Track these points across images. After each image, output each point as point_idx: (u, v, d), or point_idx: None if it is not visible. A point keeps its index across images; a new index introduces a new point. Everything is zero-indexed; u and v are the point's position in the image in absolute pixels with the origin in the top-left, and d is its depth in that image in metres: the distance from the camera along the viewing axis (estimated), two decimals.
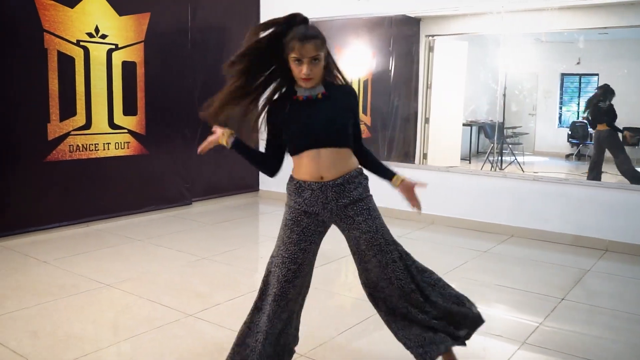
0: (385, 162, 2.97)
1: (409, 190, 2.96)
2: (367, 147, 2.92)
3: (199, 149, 2.84)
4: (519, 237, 6.34)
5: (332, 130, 2.71)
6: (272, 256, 2.83)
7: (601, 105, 7.25)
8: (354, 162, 2.80)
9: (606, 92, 7.34)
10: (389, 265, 2.78)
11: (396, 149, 7.84)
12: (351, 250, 2.87)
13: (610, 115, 7.19)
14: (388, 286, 2.81)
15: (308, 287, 2.93)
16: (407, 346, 2.89)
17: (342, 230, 2.84)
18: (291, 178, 2.81)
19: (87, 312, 4.01)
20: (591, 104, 7.64)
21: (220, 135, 2.81)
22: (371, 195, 2.84)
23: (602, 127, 7.24)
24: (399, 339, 2.92)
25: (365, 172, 2.87)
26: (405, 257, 2.86)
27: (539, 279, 5.03)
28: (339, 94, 2.77)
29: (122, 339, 3.57)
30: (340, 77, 2.82)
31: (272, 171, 2.87)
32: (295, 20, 2.68)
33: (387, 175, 2.92)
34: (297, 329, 2.98)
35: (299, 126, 2.72)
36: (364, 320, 3.88)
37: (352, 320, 3.93)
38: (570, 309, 4.29)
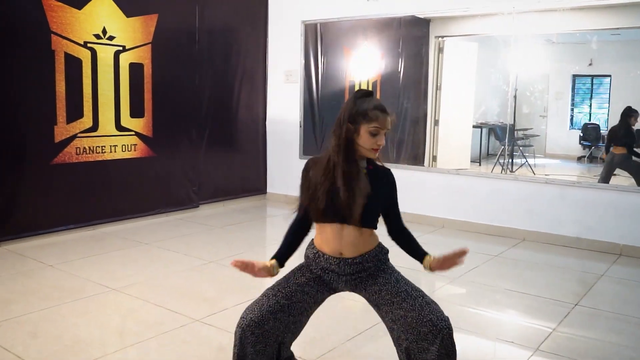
0: (417, 241, 2.79)
1: (442, 266, 2.73)
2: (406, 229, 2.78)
3: (233, 263, 2.67)
4: (531, 241, 6.29)
5: (365, 210, 2.55)
6: (263, 294, 2.67)
7: (618, 128, 6.94)
8: (374, 240, 2.69)
9: (626, 115, 6.99)
10: (424, 308, 2.51)
11: (405, 152, 7.80)
12: (380, 315, 2.68)
13: (629, 137, 6.86)
14: (430, 331, 2.47)
15: (294, 334, 2.72)
16: None
17: (359, 292, 2.71)
18: (311, 244, 2.73)
19: (94, 317, 3.99)
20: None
21: (268, 270, 2.69)
22: (393, 267, 2.73)
23: (618, 151, 6.89)
24: None
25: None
26: (437, 305, 2.59)
27: (552, 283, 4.98)
28: (380, 174, 2.66)
29: (129, 344, 3.55)
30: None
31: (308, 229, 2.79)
32: (359, 94, 2.62)
33: (418, 256, 2.76)
34: None
35: (331, 196, 2.57)
36: (374, 325, 3.84)
37: (362, 326, 3.90)
38: (584, 315, 4.25)
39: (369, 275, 2.64)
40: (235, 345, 2.58)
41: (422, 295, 2.59)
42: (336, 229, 2.60)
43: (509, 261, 5.62)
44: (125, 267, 5.12)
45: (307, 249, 2.75)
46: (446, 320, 2.50)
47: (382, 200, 2.66)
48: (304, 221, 2.75)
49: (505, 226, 6.51)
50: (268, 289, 2.67)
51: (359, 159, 2.59)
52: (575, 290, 4.81)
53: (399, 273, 2.70)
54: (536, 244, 6.22)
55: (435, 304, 2.57)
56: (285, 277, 2.71)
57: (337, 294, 2.78)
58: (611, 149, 6.90)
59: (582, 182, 6.28)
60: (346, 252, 2.61)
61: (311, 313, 2.74)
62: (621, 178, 6.73)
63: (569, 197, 6.15)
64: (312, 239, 2.75)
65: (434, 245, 6.06)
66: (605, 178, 6.70)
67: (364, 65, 7.77)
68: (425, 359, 2.50)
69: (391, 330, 2.63)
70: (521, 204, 6.43)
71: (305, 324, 2.75)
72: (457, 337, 3.71)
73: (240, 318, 2.58)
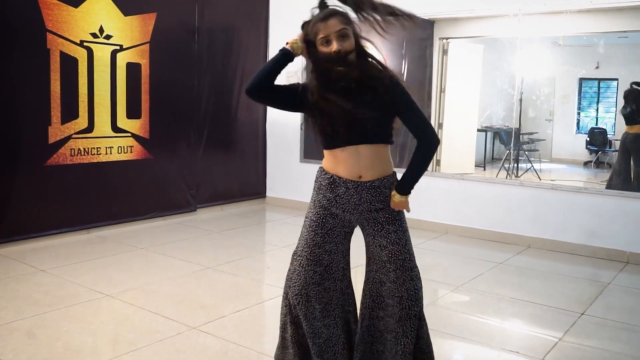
0: (410, 170, 2.75)
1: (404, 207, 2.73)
2: (424, 141, 2.72)
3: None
4: (537, 248, 6.25)
5: (372, 125, 2.61)
6: (294, 252, 2.82)
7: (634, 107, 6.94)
8: (391, 165, 2.76)
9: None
10: (405, 284, 2.68)
11: (408, 156, 7.73)
12: (369, 257, 2.80)
13: None
14: (395, 305, 2.69)
15: (352, 294, 2.90)
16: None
17: (367, 235, 2.77)
18: (323, 170, 2.75)
19: (87, 324, 3.95)
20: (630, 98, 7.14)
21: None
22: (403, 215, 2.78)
23: (632, 130, 6.96)
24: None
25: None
26: (419, 279, 2.76)
27: (558, 292, 4.95)
28: (378, 84, 2.61)
29: (123, 353, 3.51)
30: (376, 63, 2.68)
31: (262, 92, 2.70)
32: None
33: (411, 186, 2.72)
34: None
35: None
36: None
37: None
38: (591, 324, 4.21)
39: (387, 218, 2.69)
40: (290, 325, 2.79)
41: (412, 267, 2.70)
42: (351, 151, 2.62)
43: (514, 268, 5.58)
44: (120, 273, 5.08)
45: (317, 178, 2.77)
46: (414, 302, 2.69)
47: (384, 109, 2.62)
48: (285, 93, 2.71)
49: (510, 232, 6.48)
50: (297, 255, 2.79)
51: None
52: (582, 298, 4.77)
53: (408, 231, 2.75)
54: (542, 251, 6.19)
55: (418, 279, 2.72)
56: (303, 239, 2.78)
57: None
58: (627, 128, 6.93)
59: (589, 188, 6.24)
60: (365, 175, 2.65)
61: (348, 271, 2.87)
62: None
63: (576, 203, 6.12)
64: (321, 168, 2.77)
65: (437, 252, 6.06)
66: (624, 162, 6.67)
67: None
68: (379, 315, 2.75)
69: (367, 279, 2.81)
70: (527, 209, 6.40)
71: (352, 289, 2.89)
72: (460, 346, 3.69)
73: (290, 298, 2.78)
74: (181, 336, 3.75)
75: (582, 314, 4.38)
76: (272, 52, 8.23)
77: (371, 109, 2.57)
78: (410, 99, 2.67)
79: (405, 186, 2.70)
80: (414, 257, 2.74)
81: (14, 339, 3.64)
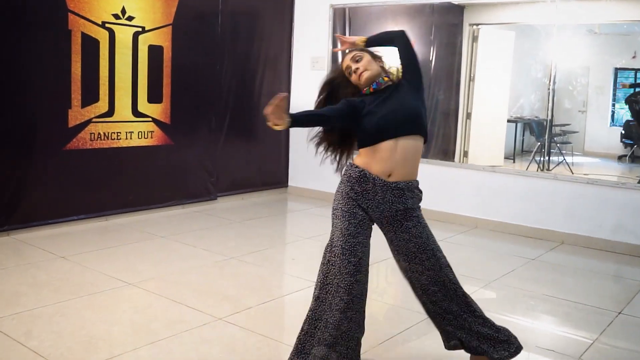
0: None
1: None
2: None
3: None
4: (570, 245, 6.23)
5: (413, 115, 3.01)
6: (329, 245, 2.98)
7: None
8: (417, 170, 3.07)
9: None
10: (442, 269, 3.04)
11: (435, 146, 7.74)
12: (397, 252, 3.07)
13: None
14: (441, 289, 3.05)
15: (367, 289, 3.05)
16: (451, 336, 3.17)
17: (387, 232, 3.06)
18: (353, 165, 3.03)
19: (110, 312, 4.00)
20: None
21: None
22: (420, 207, 3.10)
23: None
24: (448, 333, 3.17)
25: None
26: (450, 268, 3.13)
27: (593, 290, 4.94)
28: (405, 85, 3.13)
29: (149, 342, 3.54)
30: (394, 72, 3.24)
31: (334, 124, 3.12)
32: None
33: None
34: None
35: (380, 114, 2.98)
36: (406, 329, 3.82)
37: (392, 330, 3.89)
38: (628, 325, 4.20)
39: (404, 216, 2.99)
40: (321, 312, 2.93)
41: (443, 256, 3.08)
42: (389, 145, 2.94)
43: (547, 265, 5.57)
44: (141, 261, 5.13)
45: (347, 171, 3.06)
46: (456, 284, 3.10)
47: (412, 103, 3.06)
48: (340, 117, 3.01)
49: (542, 228, 6.45)
50: (332, 246, 2.96)
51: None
52: (618, 297, 4.76)
53: (428, 227, 3.06)
54: (575, 247, 6.16)
55: (450, 266, 3.10)
56: (337, 230, 2.96)
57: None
58: None
59: (627, 183, 6.20)
60: (396, 172, 2.95)
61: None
62: None
63: (612, 198, 6.08)
64: (351, 163, 3.06)
65: (465, 246, 6.06)
66: None
67: (393, 53, 7.72)
68: (432, 300, 3.08)
69: (407, 273, 3.11)
70: (560, 204, 6.37)
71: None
72: None
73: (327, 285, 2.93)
74: (207, 327, 3.79)
75: (619, 313, 4.36)
76: (296, 36, 8.25)
77: (414, 102, 3.08)
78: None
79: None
80: (440, 249, 3.10)
81: (36, 326, 3.70)
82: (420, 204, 3.10)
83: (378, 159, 2.95)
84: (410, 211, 3.00)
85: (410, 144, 2.97)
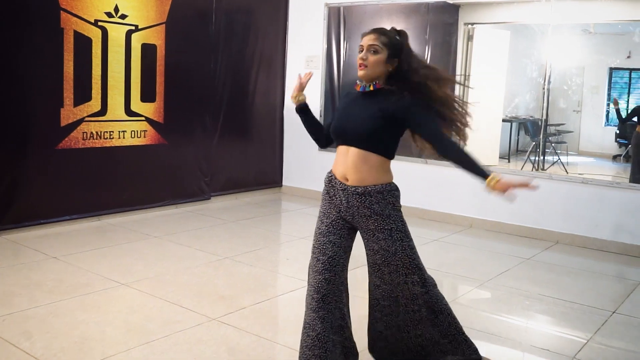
0: (474, 159, 2.77)
1: (503, 190, 2.70)
2: (441, 149, 2.87)
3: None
4: (566, 244, 6.25)
5: (362, 130, 2.87)
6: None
7: None
8: (385, 177, 2.91)
9: None
10: (400, 285, 2.95)
11: None
12: (367, 259, 3.05)
13: None
14: (391, 305, 3.03)
15: (346, 291, 3.03)
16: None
17: (362, 238, 3.01)
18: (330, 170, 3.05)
19: (103, 313, 3.99)
20: None
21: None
22: (400, 215, 2.93)
23: None
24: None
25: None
26: (418, 284, 2.97)
27: (588, 290, 4.96)
28: (392, 99, 2.86)
29: (142, 343, 3.54)
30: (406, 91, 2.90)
31: (323, 144, 3.28)
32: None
33: (479, 174, 2.73)
34: (350, 341, 3.04)
35: (340, 117, 3.02)
36: None
37: None
38: (622, 324, 4.22)
39: (377, 225, 2.88)
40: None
41: (407, 274, 2.92)
42: (343, 150, 2.93)
43: (542, 265, 5.58)
44: (134, 261, 5.12)
45: (328, 172, 3.09)
46: (413, 302, 2.98)
47: (386, 121, 2.83)
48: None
49: (537, 227, 6.47)
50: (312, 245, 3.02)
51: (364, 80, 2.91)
52: (613, 297, 4.77)
53: (402, 240, 2.89)
54: (571, 247, 6.18)
55: (418, 285, 2.95)
56: (315, 229, 3.02)
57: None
58: (637, 128, 6.99)
59: (621, 182, 6.22)
60: (350, 177, 2.88)
61: (346, 269, 3.01)
62: None
63: (607, 198, 6.10)
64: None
65: (461, 246, 6.07)
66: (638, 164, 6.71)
67: None
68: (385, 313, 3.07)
69: (370, 280, 3.10)
70: (555, 204, 6.38)
71: (347, 287, 3.05)
72: (487, 343, 3.71)
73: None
74: (201, 327, 3.78)
75: (614, 312, 4.38)
76: (291, 35, 8.24)
77: (372, 119, 2.84)
78: (424, 117, 2.86)
79: (481, 169, 2.74)
80: (412, 264, 2.93)
81: (29, 327, 3.69)
82: (395, 209, 2.90)
83: (336, 161, 2.97)
84: (382, 220, 2.86)
85: (360, 154, 2.85)
